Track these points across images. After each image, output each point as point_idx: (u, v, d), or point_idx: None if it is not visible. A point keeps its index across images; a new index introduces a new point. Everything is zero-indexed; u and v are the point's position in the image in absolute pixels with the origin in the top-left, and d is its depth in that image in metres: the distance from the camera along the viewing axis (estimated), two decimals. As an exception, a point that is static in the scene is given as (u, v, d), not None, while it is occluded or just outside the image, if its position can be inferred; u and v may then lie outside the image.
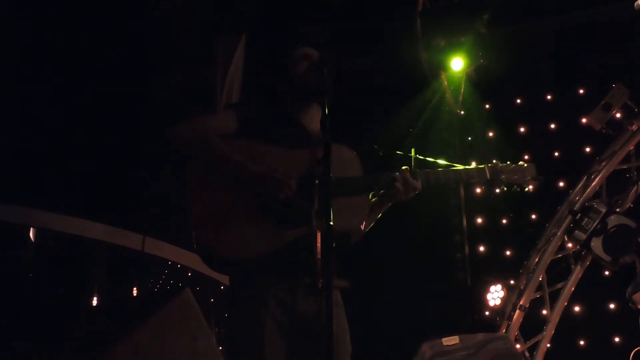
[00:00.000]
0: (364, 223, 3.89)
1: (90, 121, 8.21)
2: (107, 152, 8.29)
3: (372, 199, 3.99)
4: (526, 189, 4.13)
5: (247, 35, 8.44)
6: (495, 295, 8.91)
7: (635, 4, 4.49)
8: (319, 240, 3.14)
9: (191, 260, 8.47)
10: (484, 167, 4.11)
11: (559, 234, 8.84)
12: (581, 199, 8.80)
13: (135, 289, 9.05)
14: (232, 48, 8.35)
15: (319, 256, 3.16)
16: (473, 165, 4.25)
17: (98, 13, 8.14)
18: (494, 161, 4.13)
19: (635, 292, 7.12)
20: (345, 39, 8.08)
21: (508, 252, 9.43)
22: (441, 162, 4.31)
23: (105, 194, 8.28)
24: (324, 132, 3.37)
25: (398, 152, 4.43)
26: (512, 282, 8.96)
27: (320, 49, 4.03)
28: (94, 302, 8.61)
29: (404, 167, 3.95)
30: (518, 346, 8.62)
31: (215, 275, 7.20)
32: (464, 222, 9.65)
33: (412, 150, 4.03)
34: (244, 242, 3.65)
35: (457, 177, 4.09)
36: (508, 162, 4.13)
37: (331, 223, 3.13)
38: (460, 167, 4.12)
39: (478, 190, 9.46)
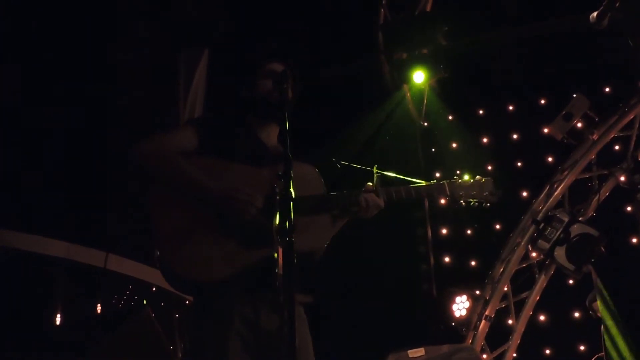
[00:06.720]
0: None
1: (50, 137, 8.14)
2: (68, 169, 8.22)
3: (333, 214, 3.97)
4: (484, 204, 4.17)
5: (211, 49, 8.41)
6: (460, 305, 8.93)
7: (590, 16, 4.57)
8: (280, 255, 3.12)
9: (155, 276, 8.39)
10: (444, 183, 4.16)
11: (522, 243, 8.89)
12: (544, 208, 8.87)
13: (99, 305, 8.95)
14: (194, 62, 8.32)
15: (280, 271, 3.14)
16: (434, 180, 4.29)
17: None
18: (454, 177, 4.17)
19: (594, 301, 7.19)
20: (309, 53, 8.09)
21: (473, 263, 9.48)
22: (402, 177, 4.32)
23: (67, 211, 8.20)
24: (283, 147, 3.35)
25: (358, 165, 4.44)
26: (477, 292, 8.99)
27: (285, 64, 3.99)
28: (58, 320, 8.52)
29: (368, 184, 3.96)
30: (485, 356, 8.66)
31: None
32: (429, 233, 9.66)
33: (374, 167, 4.04)
34: (209, 264, 3.61)
35: (418, 193, 4.11)
36: (467, 178, 4.16)
37: (292, 238, 3.11)
38: (421, 183, 4.14)
39: (442, 201, 9.45)
